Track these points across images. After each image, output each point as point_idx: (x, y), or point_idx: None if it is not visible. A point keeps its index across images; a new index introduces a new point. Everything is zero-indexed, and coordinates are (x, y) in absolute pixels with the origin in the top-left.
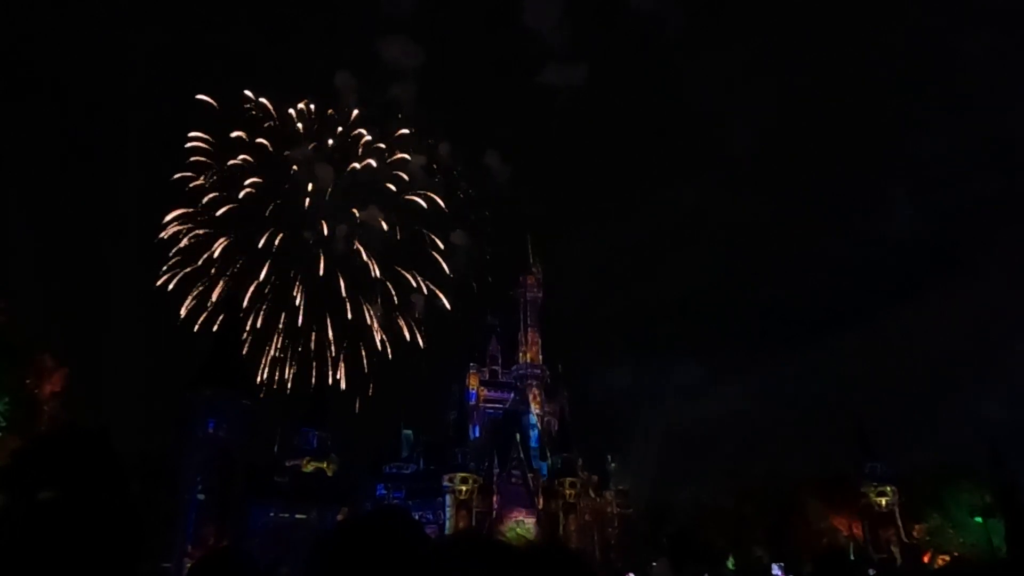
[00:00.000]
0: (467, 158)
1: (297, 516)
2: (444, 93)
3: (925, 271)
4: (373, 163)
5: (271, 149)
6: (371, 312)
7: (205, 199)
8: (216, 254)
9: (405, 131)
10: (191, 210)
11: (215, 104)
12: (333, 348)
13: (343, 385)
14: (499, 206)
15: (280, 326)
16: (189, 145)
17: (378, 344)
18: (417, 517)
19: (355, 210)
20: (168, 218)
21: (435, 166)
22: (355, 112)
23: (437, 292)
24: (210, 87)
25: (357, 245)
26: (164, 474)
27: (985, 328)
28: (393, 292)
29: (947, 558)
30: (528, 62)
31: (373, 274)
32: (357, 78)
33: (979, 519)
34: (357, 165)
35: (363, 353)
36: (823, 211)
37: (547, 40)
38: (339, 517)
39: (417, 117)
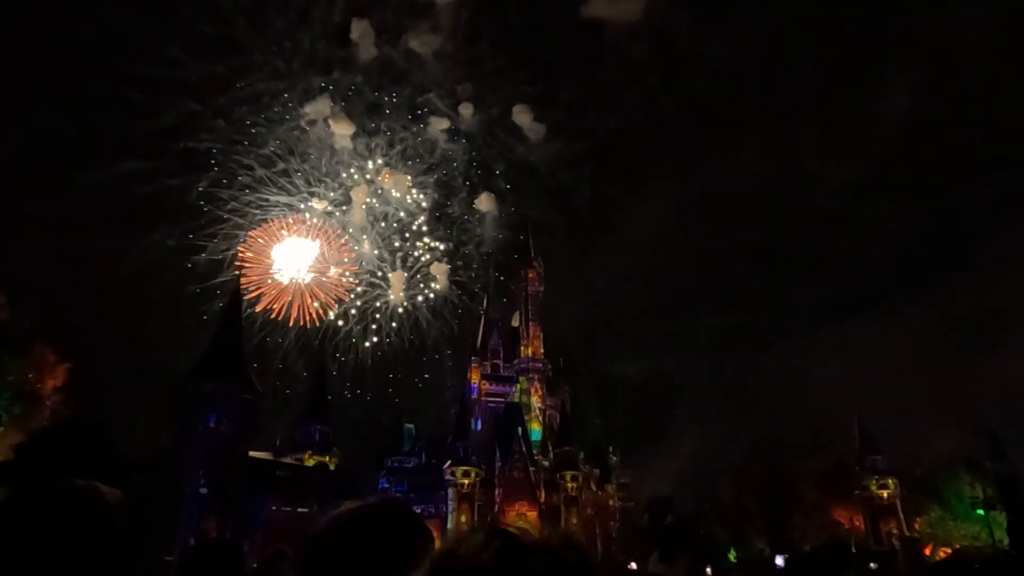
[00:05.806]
0: (494, 117)
1: (299, 510)
2: (474, 32)
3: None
4: (393, 125)
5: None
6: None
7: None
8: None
9: (426, 88)
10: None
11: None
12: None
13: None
14: (530, 171)
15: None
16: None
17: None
18: (419, 510)
19: (372, 175)
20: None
21: (459, 127)
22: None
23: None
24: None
25: (373, 218)
26: (166, 468)
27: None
28: (413, 264)
29: (948, 551)
30: None
31: (392, 249)
32: (375, 28)
33: (980, 511)
34: (375, 127)
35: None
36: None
37: None
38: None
39: (440, 69)
